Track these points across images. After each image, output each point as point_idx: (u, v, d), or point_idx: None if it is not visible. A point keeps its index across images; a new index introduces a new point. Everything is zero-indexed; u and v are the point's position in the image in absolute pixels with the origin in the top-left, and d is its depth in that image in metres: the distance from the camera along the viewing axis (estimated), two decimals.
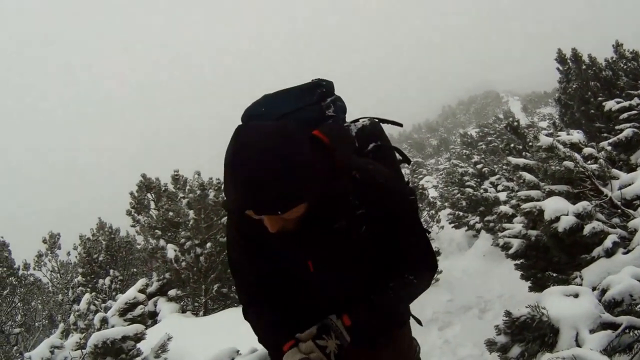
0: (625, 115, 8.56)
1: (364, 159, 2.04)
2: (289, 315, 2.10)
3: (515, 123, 10.99)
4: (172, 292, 11.82)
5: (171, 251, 12.24)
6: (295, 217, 1.71)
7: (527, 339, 3.06)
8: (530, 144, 10.29)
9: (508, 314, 3.10)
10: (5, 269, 16.09)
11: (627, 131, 6.93)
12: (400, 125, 2.34)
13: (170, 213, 13.47)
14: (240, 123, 2.10)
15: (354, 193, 1.88)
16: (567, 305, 3.04)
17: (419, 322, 2.45)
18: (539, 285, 5.84)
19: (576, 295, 3.14)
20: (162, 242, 12.97)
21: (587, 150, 5.54)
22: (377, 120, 2.25)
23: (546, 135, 6.22)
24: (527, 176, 5.73)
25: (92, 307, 11.98)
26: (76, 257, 20.08)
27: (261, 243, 1.99)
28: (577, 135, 5.84)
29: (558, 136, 5.81)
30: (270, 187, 1.52)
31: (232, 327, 6.87)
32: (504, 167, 15.67)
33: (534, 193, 5.53)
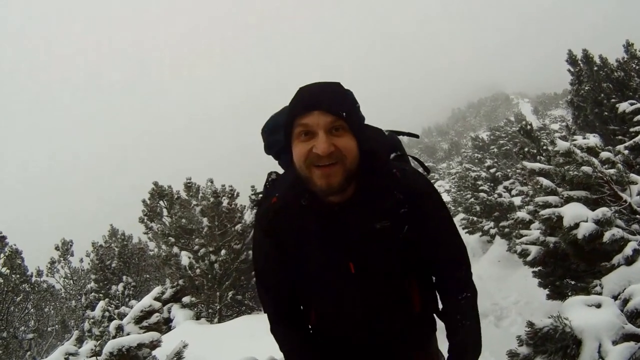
0: (639, 117, 8.47)
1: (399, 162, 2.12)
2: (319, 331, 2.16)
3: (529, 126, 10.89)
4: (186, 299, 11.81)
5: (185, 258, 12.25)
6: (345, 146, 1.74)
7: (549, 350, 3.00)
8: (544, 147, 10.19)
9: (530, 324, 3.03)
10: (18, 275, 16.14)
11: None
12: (417, 136, 2.40)
13: (184, 220, 13.48)
14: (260, 132, 2.27)
15: (398, 188, 1.91)
16: (590, 315, 2.98)
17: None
18: (557, 293, 5.78)
19: (598, 305, 3.08)
20: (175, 249, 12.98)
21: (604, 155, 5.44)
22: (393, 132, 2.31)
23: (561, 138, 6.14)
24: (544, 181, 5.66)
25: (106, 314, 12.01)
26: (89, 263, 20.15)
27: (298, 245, 1.96)
28: (593, 139, 5.76)
29: (574, 140, 5.73)
30: (333, 92, 1.79)
31: (246, 335, 6.86)
32: (518, 171, 15.53)
33: (551, 199, 5.46)
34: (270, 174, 2.21)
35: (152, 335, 5.46)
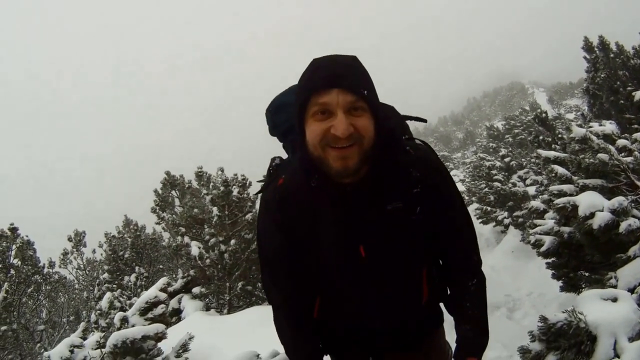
0: None
1: (412, 142, 2.03)
2: (322, 320, 2.12)
3: (544, 115, 10.69)
4: (196, 290, 11.77)
5: (195, 248, 12.18)
6: (364, 127, 1.65)
7: (562, 346, 2.87)
8: (559, 135, 10.01)
9: (544, 319, 2.90)
10: (30, 267, 16.19)
11: None
12: (425, 121, 2.26)
13: (195, 210, 13.42)
14: (265, 112, 2.20)
15: (413, 165, 1.86)
16: (606, 310, 2.85)
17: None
18: (570, 285, 5.61)
19: (615, 300, 2.95)
20: (186, 239, 12.92)
21: (621, 142, 5.27)
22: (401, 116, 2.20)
23: (577, 126, 5.97)
24: (559, 169, 5.48)
25: (117, 304, 12.01)
26: (102, 254, 20.22)
27: (307, 229, 1.89)
28: (609, 126, 5.59)
29: (590, 127, 5.57)
30: (352, 68, 1.68)
31: (255, 326, 6.78)
32: (532, 160, 15.33)
33: (566, 187, 5.29)
34: (273, 159, 2.12)
35: (157, 327, 5.41)
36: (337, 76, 1.62)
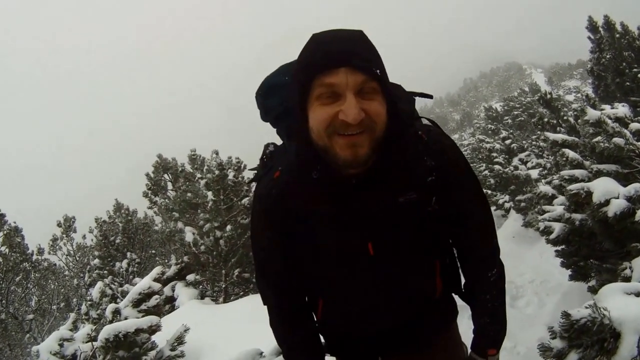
0: None
1: (425, 123, 1.87)
2: (326, 322, 2.00)
3: (549, 96, 10.46)
4: (190, 277, 11.61)
5: (189, 234, 12.00)
6: (376, 113, 1.46)
7: (584, 344, 2.69)
8: (564, 117, 9.80)
9: (566, 315, 2.72)
10: (17, 254, 16.02)
11: None
12: (430, 97, 2.08)
13: (189, 194, 13.22)
14: (255, 96, 1.96)
15: (427, 153, 1.69)
16: (630, 305, 2.68)
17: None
18: (580, 275, 5.48)
19: (639, 294, 2.77)
20: (180, 225, 12.74)
21: (634, 126, 5.11)
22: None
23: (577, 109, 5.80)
24: (571, 154, 5.30)
25: (109, 291, 11.82)
26: (92, 240, 20.02)
27: (307, 226, 1.70)
28: (622, 109, 5.41)
29: (602, 109, 5.37)
30: (361, 43, 1.48)
31: (253, 317, 6.58)
32: (534, 142, 15.15)
33: (578, 172, 5.12)
34: (267, 146, 1.92)
35: (151, 319, 5.27)
36: (345, 52, 1.42)
